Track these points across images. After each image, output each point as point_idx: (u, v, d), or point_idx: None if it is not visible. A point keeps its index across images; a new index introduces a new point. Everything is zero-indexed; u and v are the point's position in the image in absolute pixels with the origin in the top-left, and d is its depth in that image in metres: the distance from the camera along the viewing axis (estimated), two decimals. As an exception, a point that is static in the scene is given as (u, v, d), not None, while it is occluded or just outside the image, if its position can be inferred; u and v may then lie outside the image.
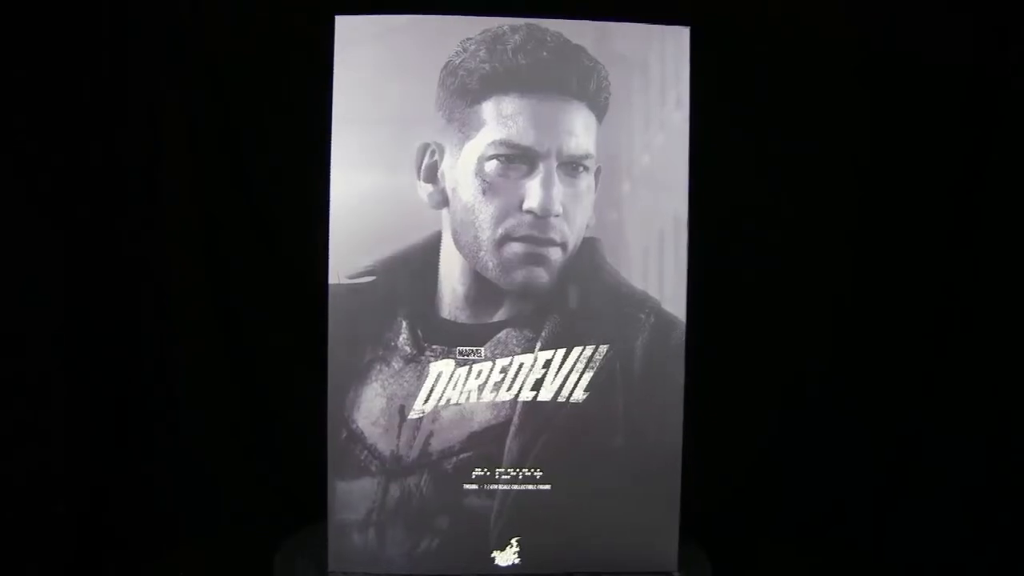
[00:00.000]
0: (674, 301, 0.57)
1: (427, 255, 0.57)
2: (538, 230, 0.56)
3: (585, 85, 0.56)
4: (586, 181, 0.57)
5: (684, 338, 0.57)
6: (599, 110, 0.57)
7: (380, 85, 0.56)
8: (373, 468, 0.57)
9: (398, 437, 0.57)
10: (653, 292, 0.57)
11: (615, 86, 0.57)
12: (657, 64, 0.57)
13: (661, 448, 0.58)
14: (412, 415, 0.57)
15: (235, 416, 0.74)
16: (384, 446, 0.57)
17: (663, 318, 0.57)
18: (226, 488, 0.73)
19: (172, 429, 0.73)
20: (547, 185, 0.56)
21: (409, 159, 0.56)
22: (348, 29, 0.56)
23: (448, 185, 0.56)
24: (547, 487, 0.58)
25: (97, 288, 0.71)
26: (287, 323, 0.74)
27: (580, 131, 0.56)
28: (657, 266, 0.58)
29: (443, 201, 0.57)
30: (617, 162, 0.57)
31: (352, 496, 0.57)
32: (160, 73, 0.70)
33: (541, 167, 0.56)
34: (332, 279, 0.56)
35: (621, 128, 0.57)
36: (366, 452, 0.57)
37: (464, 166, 0.56)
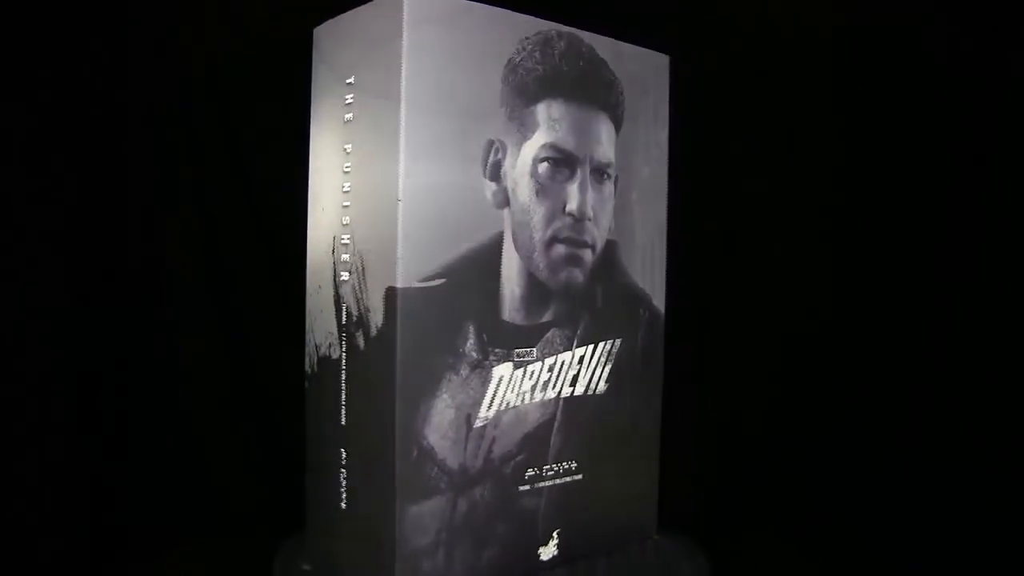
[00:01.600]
0: (659, 296, 0.65)
1: (491, 256, 0.55)
2: (576, 232, 0.59)
3: (608, 98, 0.60)
4: (608, 188, 0.61)
5: (664, 328, 0.66)
6: (617, 122, 0.61)
7: (451, 72, 0.52)
8: (443, 485, 0.53)
9: (465, 448, 0.54)
10: (647, 289, 0.64)
11: (627, 102, 0.62)
12: (652, 85, 0.64)
13: (649, 426, 0.65)
14: (477, 423, 0.54)
15: (235, 416, 0.74)
16: (453, 460, 0.53)
17: (653, 312, 0.65)
18: (226, 488, 0.74)
19: (172, 429, 0.73)
20: (583, 190, 0.59)
21: (476, 154, 0.54)
22: (418, 7, 0.51)
23: (509, 185, 0.55)
24: (579, 477, 0.60)
25: (97, 288, 0.71)
26: (287, 323, 0.70)
27: (605, 140, 0.60)
28: (650, 266, 0.65)
29: (504, 201, 0.55)
30: (628, 172, 0.62)
31: (423, 519, 0.52)
32: (160, 73, 0.70)
33: (579, 172, 0.58)
34: (402, 283, 0.51)
35: (631, 141, 0.62)
36: (436, 469, 0.53)
37: (522, 166, 0.56)
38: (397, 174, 0.51)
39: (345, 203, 0.55)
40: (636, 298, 0.64)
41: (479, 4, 0.54)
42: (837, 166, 0.76)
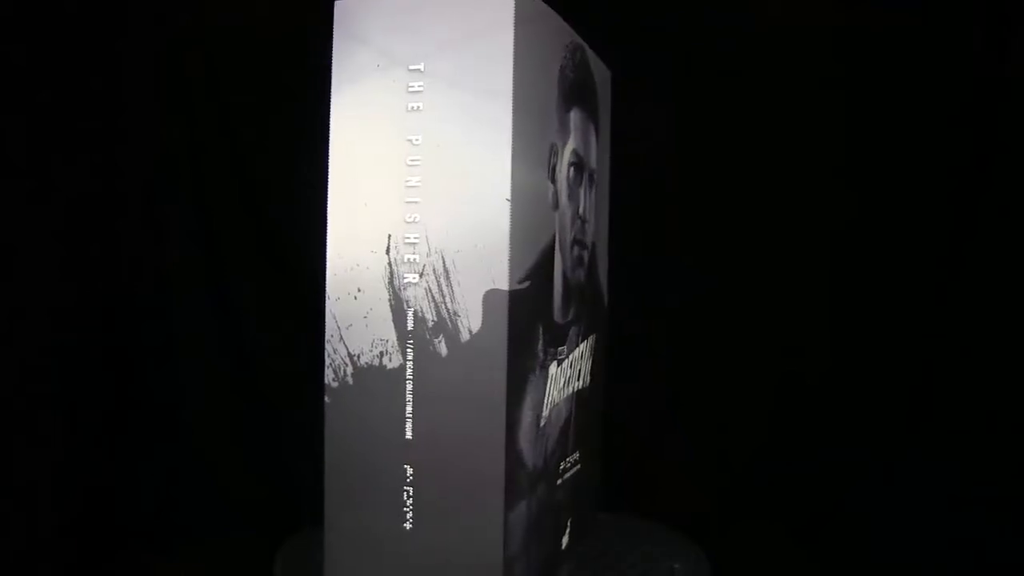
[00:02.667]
0: (607, 294, 0.71)
1: (550, 257, 0.55)
2: (582, 234, 0.62)
3: (595, 106, 0.65)
4: (594, 192, 0.65)
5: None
6: (598, 131, 0.66)
7: (534, 73, 0.52)
8: (525, 488, 0.52)
9: (534, 449, 0.54)
10: (604, 287, 0.70)
11: (600, 112, 0.67)
12: (606, 96, 0.69)
13: (600, 412, 0.71)
14: (542, 423, 0.55)
15: (235, 416, 0.76)
16: (530, 461, 0.53)
17: (606, 309, 0.71)
18: (226, 489, 0.76)
19: (172, 429, 0.74)
20: (587, 194, 0.63)
21: (544, 157, 0.54)
22: (523, 4, 0.49)
23: (558, 187, 0.57)
24: (580, 466, 0.64)
25: (97, 287, 0.71)
26: (287, 323, 0.76)
27: (594, 147, 0.65)
28: (604, 265, 0.70)
29: (556, 203, 0.56)
30: (601, 177, 0.67)
31: (517, 525, 0.51)
32: (159, 72, 0.71)
33: (584, 177, 0.62)
34: (509, 285, 0.49)
35: (602, 149, 0.67)
36: (522, 472, 0.52)
37: (563, 170, 0.57)
38: (504, 173, 0.49)
39: (412, 199, 0.51)
40: (601, 296, 0.69)
41: (549, 8, 0.54)
42: (837, 165, 0.75)
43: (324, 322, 0.52)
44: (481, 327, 0.50)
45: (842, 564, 0.71)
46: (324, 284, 0.53)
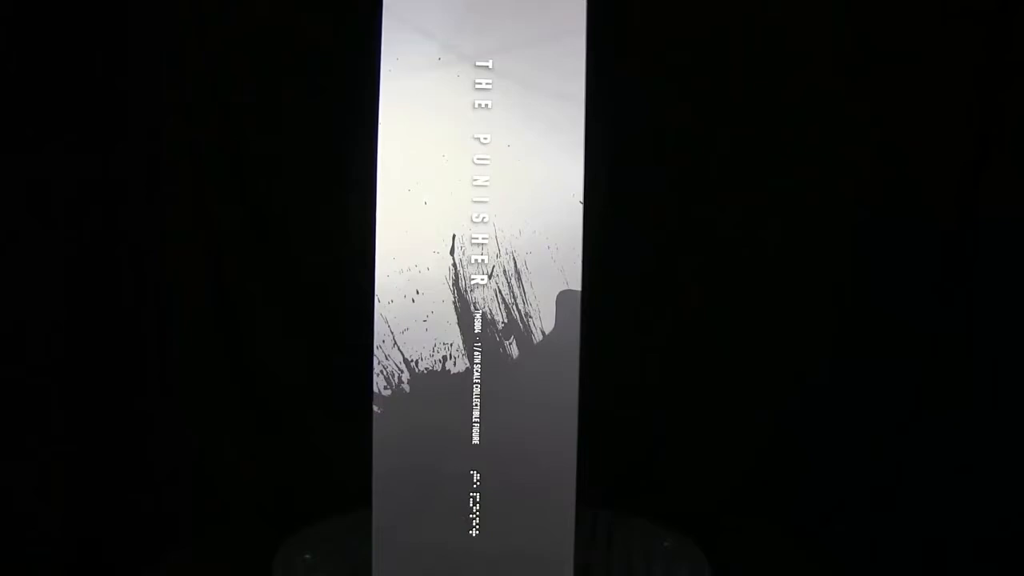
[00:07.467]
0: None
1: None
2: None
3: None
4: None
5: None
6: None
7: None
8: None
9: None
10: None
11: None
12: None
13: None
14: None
15: (235, 416, 0.75)
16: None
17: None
18: (226, 489, 0.74)
19: (172, 429, 0.74)
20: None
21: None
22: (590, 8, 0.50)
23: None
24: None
25: (97, 288, 0.71)
26: (288, 323, 0.75)
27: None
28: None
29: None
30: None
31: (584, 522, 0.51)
32: (160, 72, 0.70)
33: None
34: (581, 286, 0.50)
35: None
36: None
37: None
38: (579, 175, 0.49)
39: (480, 198, 0.50)
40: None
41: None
42: (837, 163, 0.74)
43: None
44: (553, 327, 0.50)
45: (842, 564, 0.71)
46: (368, 288, 0.50)
